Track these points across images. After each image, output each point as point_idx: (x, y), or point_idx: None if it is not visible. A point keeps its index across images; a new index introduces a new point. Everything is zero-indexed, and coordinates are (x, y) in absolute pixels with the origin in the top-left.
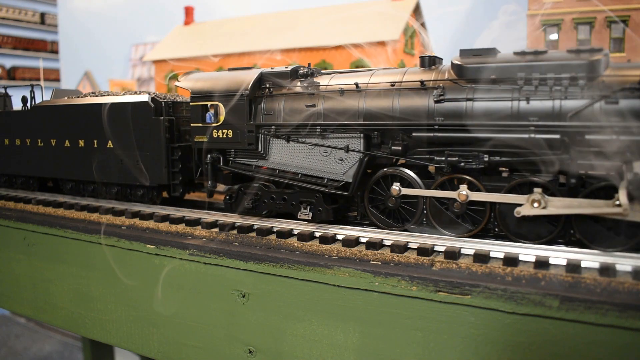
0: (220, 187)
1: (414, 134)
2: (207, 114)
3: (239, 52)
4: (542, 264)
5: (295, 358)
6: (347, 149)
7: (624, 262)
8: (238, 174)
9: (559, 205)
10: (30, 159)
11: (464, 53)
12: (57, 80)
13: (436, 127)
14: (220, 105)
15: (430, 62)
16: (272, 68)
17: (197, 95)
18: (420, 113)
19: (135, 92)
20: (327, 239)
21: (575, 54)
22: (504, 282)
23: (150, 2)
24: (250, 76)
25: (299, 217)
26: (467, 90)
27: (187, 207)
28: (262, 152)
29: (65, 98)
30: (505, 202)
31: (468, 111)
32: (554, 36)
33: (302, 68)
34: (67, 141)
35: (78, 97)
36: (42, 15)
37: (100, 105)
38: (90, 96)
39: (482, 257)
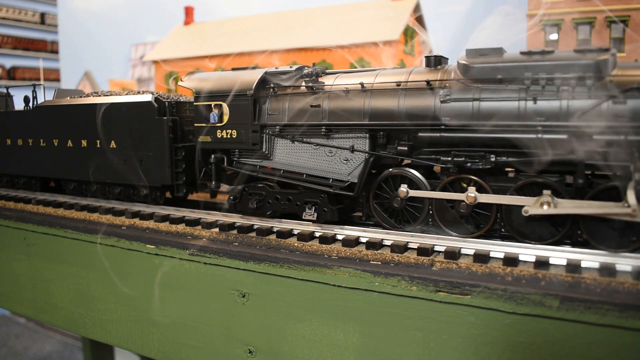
0: (224, 187)
1: (420, 134)
2: (211, 114)
3: (239, 52)
4: (542, 264)
5: (295, 358)
6: (352, 149)
7: (624, 262)
8: (242, 175)
9: (567, 206)
10: (33, 159)
11: (470, 53)
12: (57, 80)
13: (442, 127)
14: (224, 105)
15: (436, 62)
16: (276, 67)
17: (200, 95)
18: (426, 113)
19: (139, 92)
20: (327, 239)
21: (583, 54)
22: (504, 282)
23: (150, 2)
24: (254, 76)
25: (303, 217)
26: (473, 90)
27: (189, 208)
28: (266, 152)
29: (68, 98)
30: (514, 204)
31: (475, 111)
32: (554, 36)
33: (306, 68)
34: (69, 141)
35: (81, 97)
36: (42, 15)
37: (103, 105)
38: (93, 96)
39: (482, 257)
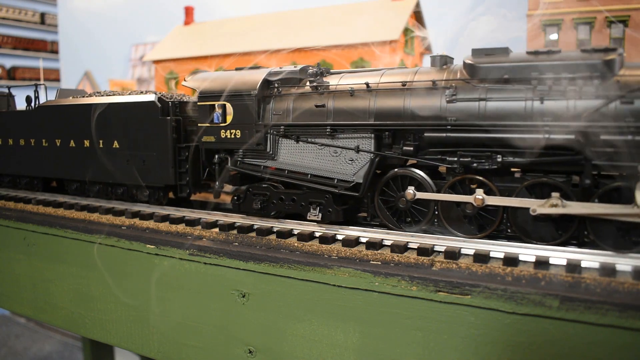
0: (227, 187)
1: (426, 134)
2: (214, 114)
3: (239, 52)
4: (542, 264)
5: (295, 358)
6: (357, 150)
7: (624, 262)
8: (246, 175)
9: (575, 207)
10: (35, 159)
11: (476, 52)
12: (57, 80)
13: (449, 127)
14: (228, 105)
15: (441, 61)
16: (280, 67)
17: (204, 95)
18: (432, 113)
19: (142, 92)
20: (327, 239)
21: (590, 54)
22: (504, 282)
23: (150, 2)
24: (258, 76)
25: (308, 218)
26: (480, 90)
27: (192, 208)
28: (270, 152)
29: (70, 98)
30: (522, 206)
31: (481, 111)
32: (554, 36)
33: (310, 67)
34: (72, 141)
35: (83, 96)
36: (42, 15)
37: (106, 105)
38: (96, 96)
39: (482, 257)
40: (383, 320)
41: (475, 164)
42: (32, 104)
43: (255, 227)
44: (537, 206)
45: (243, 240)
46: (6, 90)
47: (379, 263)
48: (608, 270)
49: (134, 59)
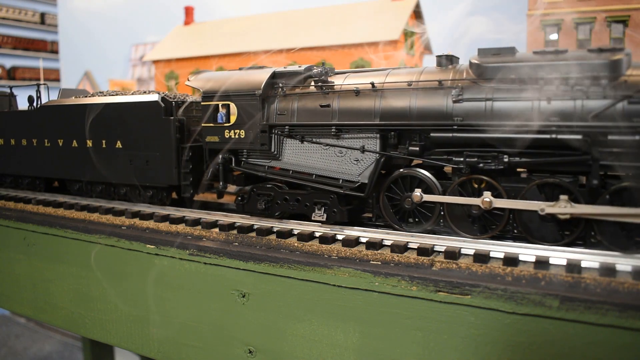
0: (231, 187)
1: (432, 134)
2: (218, 114)
3: (239, 52)
4: (542, 264)
5: (295, 358)
6: (363, 150)
7: (624, 262)
8: (250, 175)
9: (584, 208)
10: (37, 159)
11: (482, 52)
12: (57, 80)
13: (455, 127)
14: (232, 105)
15: (447, 61)
16: (284, 67)
17: (208, 95)
18: (438, 113)
19: (145, 92)
20: (327, 239)
21: (597, 54)
22: (504, 282)
23: (150, 2)
24: (263, 76)
25: (313, 218)
26: (486, 90)
27: (197, 209)
28: (275, 152)
29: (73, 98)
30: (529, 208)
31: (488, 111)
32: (554, 36)
33: (315, 67)
34: (74, 141)
35: (85, 96)
36: (42, 15)
37: (109, 105)
38: (98, 96)
39: (482, 257)
40: (383, 320)
41: (481, 164)
42: (35, 104)
43: (255, 227)
44: (546, 206)
45: (243, 240)
46: (8, 90)
47: (379, 263)
48: (608, 270)
49: (134, 59)
